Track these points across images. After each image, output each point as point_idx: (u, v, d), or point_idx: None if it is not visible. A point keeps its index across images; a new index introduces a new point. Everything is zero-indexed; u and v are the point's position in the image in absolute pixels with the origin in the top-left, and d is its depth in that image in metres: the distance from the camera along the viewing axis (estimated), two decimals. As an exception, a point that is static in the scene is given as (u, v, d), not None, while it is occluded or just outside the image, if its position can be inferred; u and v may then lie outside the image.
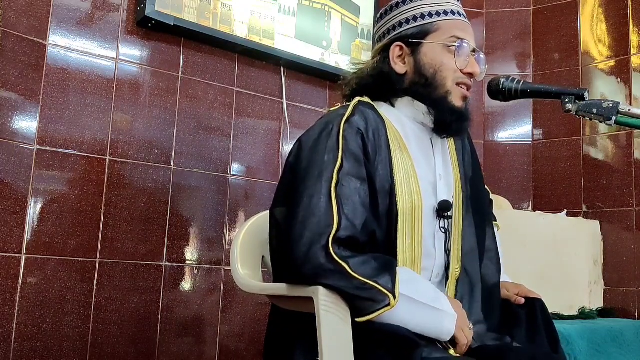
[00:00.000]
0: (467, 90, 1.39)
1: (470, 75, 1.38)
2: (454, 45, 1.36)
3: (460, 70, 1.36)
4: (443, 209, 1.35)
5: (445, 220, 1.35)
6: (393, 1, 1.44)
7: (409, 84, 1.39)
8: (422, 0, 1.40)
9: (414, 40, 1.38)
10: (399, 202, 1.29)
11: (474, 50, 1.39)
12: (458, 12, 1.41)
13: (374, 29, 1.52)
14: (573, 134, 3.05)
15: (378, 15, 1.49)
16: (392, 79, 1.40)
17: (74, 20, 2.24)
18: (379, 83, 1.41)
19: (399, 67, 1.39)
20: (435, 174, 1.39)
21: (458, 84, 1.37)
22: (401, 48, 1.39)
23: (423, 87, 1.37)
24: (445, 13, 1.39)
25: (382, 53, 1.42)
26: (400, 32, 1.40)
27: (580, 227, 2.80)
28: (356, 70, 1.48)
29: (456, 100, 1.37)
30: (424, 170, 1.37)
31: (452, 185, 1.43)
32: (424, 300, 1.22)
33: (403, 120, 1.40)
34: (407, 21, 1.40)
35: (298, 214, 1.19)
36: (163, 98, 2.42)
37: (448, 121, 1.37)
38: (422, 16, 1.39)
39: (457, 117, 1.37)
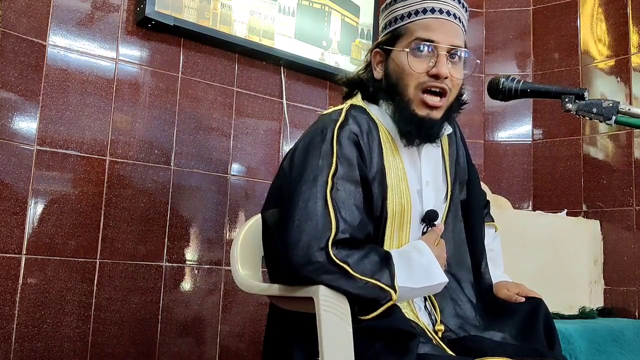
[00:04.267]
0: (442, 94, 1.31)
1: (436, 77, 1.29)
2: (415, 50, 1.30)
3: (427, 73, 1.30)
4: (430, 219, 1.36)
5: (428, 227, 1.37)
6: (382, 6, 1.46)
7: (383, 90, 1.39)
8: (397, 3, 1.38)
9: (386, 47, 1.38)
10: (388, 205, 1.30)
11: (451, 49, 1.31)
12: (432, 9, 1.32)
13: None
14: (573, 134, 3.05)
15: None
16: (372, 85, 1.41)
17: (73, 21, 2.24)
18: (363, 88, 1.43)
19: (377, 73, 1.41)
20: (422, 181, 1.39)
21: (424, 91, 1.30)
22: (380, 54, 1.40)
23: (390, 94, 1.37)
24: (417, 13, 1.33)
25: (367, 60, 1.45)
26: (381, 37, 1.42)
27: (580, 227, 2.80)
28: (352, 72, 1.50)
29: (418, 108, 1.31)
30: (410, 175, 1.37)
31: (440, 191, 1.43)
32: (421, 284, 1.25)
33: (392, 124, 1.39)
34: (385, 27, 1.41)
35: (294, 218, 1.20)
36: (163, 98, 2.42)
37: (406, 130, 1.34)
38: (395, 20, 1.38)
39: (416, 126, 1.32)
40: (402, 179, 1.34)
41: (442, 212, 1.42)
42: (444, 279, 1.27)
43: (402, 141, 1.37)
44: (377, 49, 1.41)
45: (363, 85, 1.43)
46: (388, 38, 1.38)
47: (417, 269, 1.26)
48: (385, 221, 1.30)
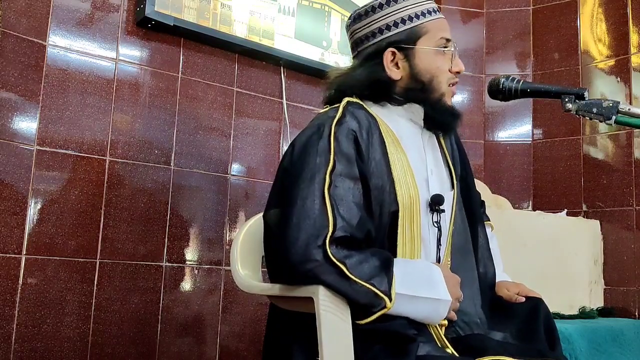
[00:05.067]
0: (454, 87, 1.44)
1: (458, 73, 1.42)
2: (445, 49, 1.39)
3: (450, 70, 1.41)
4: (436, 203, 1.35)
5: (438, 215, 1.36)
6: (374, 2, 1.42)
7: (404, 89, 1.40)
8: (406, 1, 1.40)
9: (406, 45, 1.38)
10: (399, 197, 1.30)
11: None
12: (436, 10, 1.43)
13: (349, 29, 1.48)
14: (573, 134, 3.05)
15: (354, 16, 1.46)
16: (388, 85, 1.40)
17: (73, 21, 2.24)
18: (375, 89, 1.41)
19: (394, 73, 1.39)
20: (427, 169, 1.40)
21: (450, 84, 1.41)
22: (393, 53, 1.39)
23: (420, 92, 1.39)
24: (429, 13, 1.41)
25: (374, 58, 1.41)
26: (389, 36, 1.39)
27: (580, 227, 2.80)
28: (339, 74, 1.47)
29: (449, 100, 1.42)
30: (417, 165, 1.38)
31: (444, 180, 1.44)
32: (421, 294, 1.23)
33: (394, 118, 1.41)
34: (395, 24, 1.39)
35: (292, 217, 1.20)
36: (163, 98, 2.42)
37: (446, 121, 1.41)
38: (410, 18, 1.39)
39: (453, 117, 1.43)
40: (407, 170, 1.34)
41: (449, 201, 1.41)
42: (447, 297, 1.25)
43: (422, 129, 1.42)
44: (391, 48, 1.38)
45: (384, 87, 1.40)
46: (404, 37, 1.38)
47: (419, 277, 1.25)
48: (396, 213, 1.29)
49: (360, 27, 1.44)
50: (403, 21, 1.39)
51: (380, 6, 1.41)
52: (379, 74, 1.39)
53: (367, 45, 1.42)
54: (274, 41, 2.65)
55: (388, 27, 1.40)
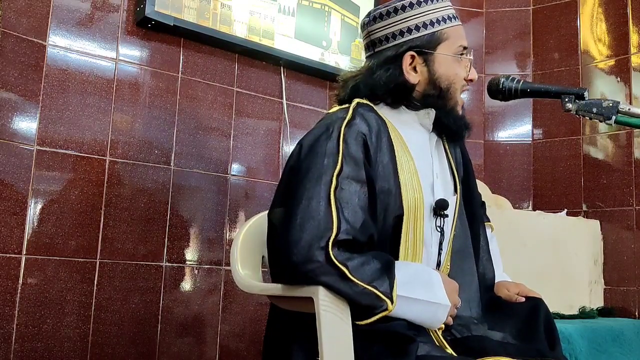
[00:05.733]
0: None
1: (471, 81, 1.42)
2: (464, 57, 1.39)
3: (464, 78, 1.41)
4: (440, 207, 1.35)
5: (441, 219, 1.36)
6: (396, 3, 1.40)
7: (421, 94, 1.39)
8: (428, 5, 1.38)
9: (426, 50, 1.37)
10: (404, 201, 1.30)
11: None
12: (456, 17, 1.42)
13: (366, 28, 1.45)
14: (573, 134, 3.05)
15: (375, 15, 1.43)
16: (408, 90, 1.39)
17: (73, 21, 2.24)
18: (395, 93, 1.39)
19: (412, 77, 1.38)
20: (433, 173, 1.40)
21: (461, 92, 1.42)
22: (412, 57, 1.38)
23: (436, 98, 1.38)
24: (450, 19, 1.40)
25: (393, 61, 1.39)
26: (410, 39, 1.38)
27: (580, 227, 2.80)
28: (354, 74, 1.45)
29: (460, 109, 1.42)
30: (423, 169, 1.37)
31: (448, 184, 1.44)
32: (421, 297, 1.23)
33: (403, 121, 1.40)
34: (417, 28, 1.37)
35: (296, 217, 1.19)
36: (163, 98, 2.42)
37: (459, 130, 1.42)
38: (432, 23, 1.37)
39: (465, 126, 1.43)
40: (414, 174, 1.33)
41: (452, 205, 1.41)
42: (446, 301, 1.25)
43: (429, 133, 1.42)
44: (411, 52, 1.37)
45: (404, 92, 1.39)
46: (425, 42, 1.37)
47: (420, 281, 1.25)
48: (401, 217, 1.29)
49: (380, 28, 1.41)
50: (425, 25, 1.37)
51: (403, 8, 1.38)
52: (398, 78, 1.38)
53: (385, 47, 1.40)
54: (274, 41, 2.65)
55: (409, 30, 1.38)
